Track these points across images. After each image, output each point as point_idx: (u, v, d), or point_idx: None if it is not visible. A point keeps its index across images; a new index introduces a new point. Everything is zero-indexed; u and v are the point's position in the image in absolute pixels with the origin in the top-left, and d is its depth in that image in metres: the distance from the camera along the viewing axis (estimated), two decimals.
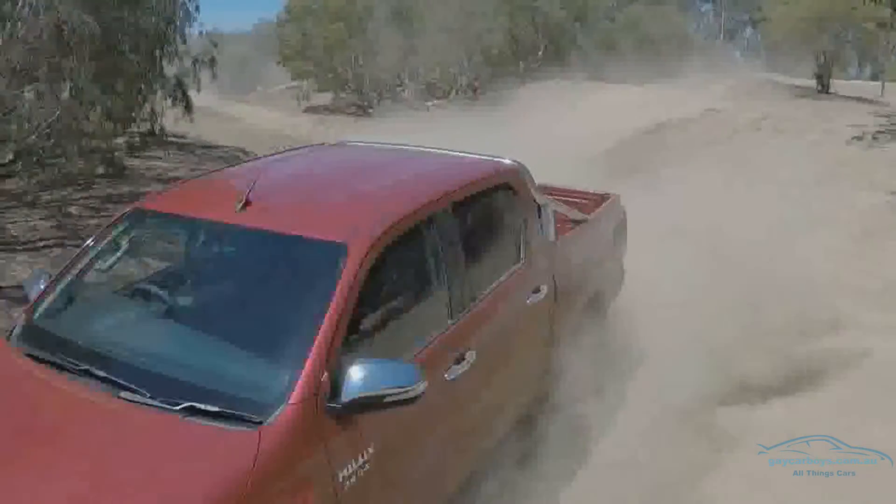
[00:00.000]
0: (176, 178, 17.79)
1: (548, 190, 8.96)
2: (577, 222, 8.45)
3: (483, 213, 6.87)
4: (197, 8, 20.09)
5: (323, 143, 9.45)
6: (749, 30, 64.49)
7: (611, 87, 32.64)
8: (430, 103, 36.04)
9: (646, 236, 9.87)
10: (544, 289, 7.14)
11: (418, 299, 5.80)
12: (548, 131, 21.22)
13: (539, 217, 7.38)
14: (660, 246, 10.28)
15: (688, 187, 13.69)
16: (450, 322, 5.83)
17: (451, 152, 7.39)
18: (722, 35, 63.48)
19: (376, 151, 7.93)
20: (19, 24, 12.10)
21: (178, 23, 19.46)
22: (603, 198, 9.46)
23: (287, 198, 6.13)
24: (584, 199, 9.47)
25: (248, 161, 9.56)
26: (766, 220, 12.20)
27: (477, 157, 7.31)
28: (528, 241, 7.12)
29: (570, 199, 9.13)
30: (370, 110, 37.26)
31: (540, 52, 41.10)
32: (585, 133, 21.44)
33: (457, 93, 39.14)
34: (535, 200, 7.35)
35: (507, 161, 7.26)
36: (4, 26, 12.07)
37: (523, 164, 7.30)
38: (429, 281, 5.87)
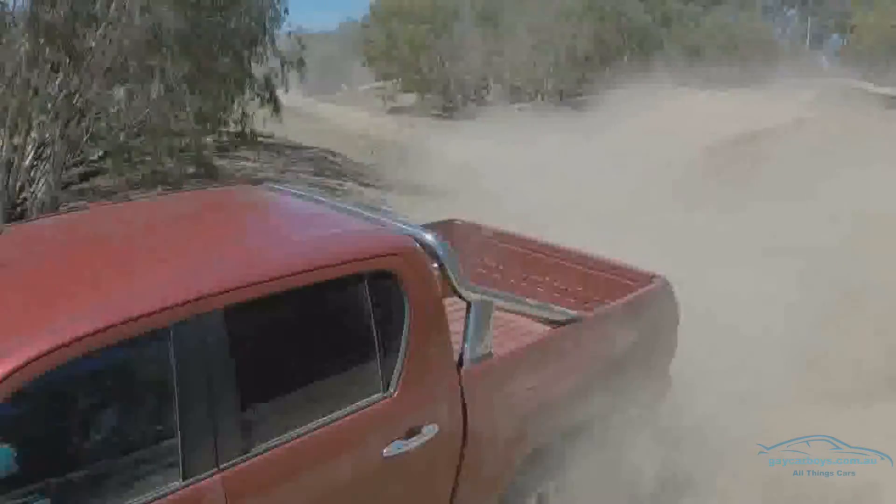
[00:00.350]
0: (266, 180, 17.61)
1: (566, 256, 7.42)
2: (558, 324, 5.95)
3: (310, 316, 4.69)
4: (286, 10, 19.93)
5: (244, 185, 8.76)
6: (835, 36, 63.44)
7: (696, 92, 32.06)
8: (516, 106, 35.67)
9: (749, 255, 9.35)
10: (431, 431, 4.83)
11: (112, 455, 3.87)
12: (635, 139, 20.82)
13: (468, 319, 5.21)
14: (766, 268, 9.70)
15: (791, 206, 13.05)
16: (178, 485, 3.92)
17: (341, 214, 5.47)
18: (808, 41, 62.51)
19: (237, 209, 5.89)
20: (109, 26, 11.96)
21: (267, 24, 19.31)
22: (644, 280, 6.83)
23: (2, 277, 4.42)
24: (616, 276, 7.05)
25: (70, 212, 7.61)
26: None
27: (361, 227, 5.24)
28: (413, 359, 4.82)
29: (594, 273, 7.17)
30: (455, 112, 36.91)
31: (626, 57, 40.56)
32: (673, 141, 20.97)
33: (542, 97, 38.79)
34: (458, 295, 5.21)
35: (408, 236, 5.08)
36: (98, 28, 11.96)
37: (438, 240, 5.11)
38: (143, 428, 4.02)
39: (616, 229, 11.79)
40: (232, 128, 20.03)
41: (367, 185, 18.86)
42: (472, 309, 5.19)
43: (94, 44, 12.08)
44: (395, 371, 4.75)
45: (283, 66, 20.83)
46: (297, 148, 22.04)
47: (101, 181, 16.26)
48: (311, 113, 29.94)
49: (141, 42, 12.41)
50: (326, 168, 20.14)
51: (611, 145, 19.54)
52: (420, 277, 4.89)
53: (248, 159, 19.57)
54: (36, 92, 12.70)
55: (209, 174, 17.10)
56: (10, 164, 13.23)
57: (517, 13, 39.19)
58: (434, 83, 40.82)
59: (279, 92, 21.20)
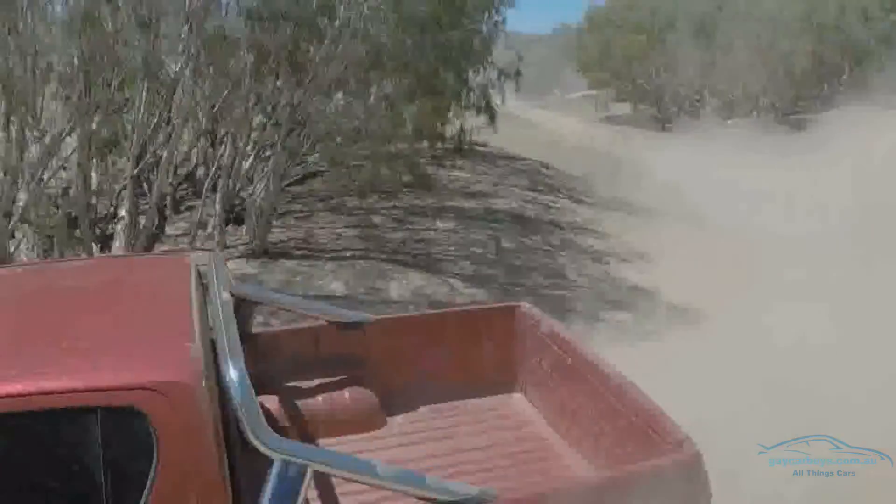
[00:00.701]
0: (479, 193, 17.05)
1: (607, 383, 5.31)
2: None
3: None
4: (503, 20, 19.42)
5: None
6: None
7: None
8: (729, 122, 34.26)
9: None
10: None
11: None
12: (860, 166, 19.33)
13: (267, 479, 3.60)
14: None
15: None
16: None
17: (177, 318, 4.13)
18: None
19: (76, 298, 4.63)
20: (332, 44, 11.89)
21: (485, 36, 18.84)
22: (668, 445, 4.57)
23: None
24: (643, 426, 4.84)
25: None
26: None
27: (142, 343, 3.90)
28: None
29: (623, 414, 5.04)
30: (668, 125, 35.77)
31: (844, 75, 38.67)
32: None
33: (757, 113, 37.26)
34: (253, 447, 3.65)
35: (195, 362, 3.67)
36: (322, 43, 11.87)
37: (238, 376, 3.78)
38: None
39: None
40: (448, 137, 19.64)
41: (579, 202, 18.13)
42: (273, 469, 3.62)
43: (317, 59, 12.04)
44: None
45: (499, 76, 20.36)
46: (510, 158, 21.44)
47: (317, 184, 16.06)
48: (524, 118, 29.33)
49: (363, 59, 12.32)
50: (539, 182, 19.46)
51: (834, 172, 18.18)
52: (184, 420, 3.51)
53: (462, 169, 19.08)
54: (259, 99, 12.82)
55: (423, 184, 16.72)
56: (231, 166, 13.35)
57: (734, 26, 37.78)
58: (647, 94, 39.86)
59: (495, 101, 20.72)
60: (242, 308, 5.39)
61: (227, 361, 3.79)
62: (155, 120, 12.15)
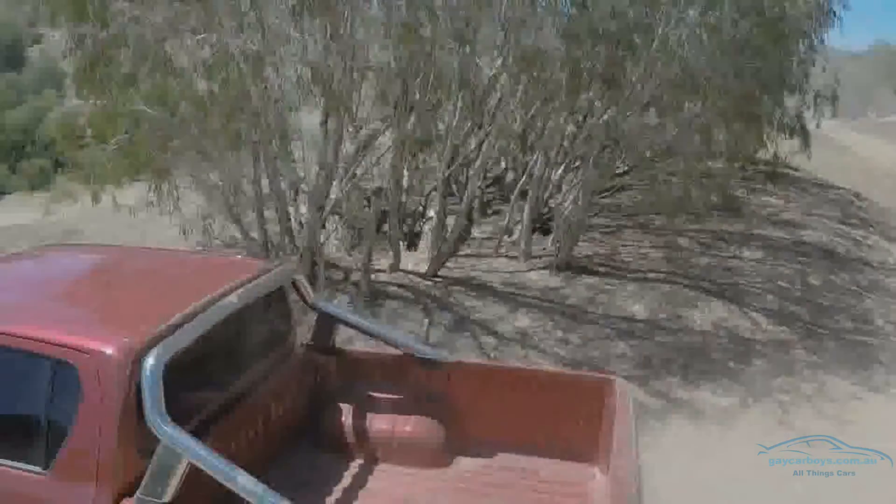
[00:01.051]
0: (787, 221, 16.07)
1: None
2: None
3: None
4: (822, 41, 18.34)
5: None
6: None
7: None
8: None
9: None
10: None
11: None
12: None
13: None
14: None
15: None
16: None
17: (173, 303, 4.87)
18: None
19: (126, 271, 5.90)
20: (649, 63, 11.62)
21: (802, 58, 17.85)
22: None
23: None
24: None
25: None
26: None
27: (103, 316, 4.90)
28: (66, 463, 4.28)
29: None
30: None
31: None
32: None
33: None
34: (148, 426, 4.24)
35: (130, 340, 4.36)
36: (638, 63, 11.61)
37: (152, 361, 4.26)
38: None
39: None
40: (760, 161, 18.80)
41: (891, 240, 16.63)
42: (157, 449, 4.14)
43: (633, 78, 11.77)
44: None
45: (815, 100, 19.29)
46: (822, 186, 20.18)
47: (624, 199, 15.71)
48: (836, 140, 27.74)
49: (677, 80, 11.93)
50: (851, 214, 18.06)
51: None
52: (105, 385, 4.23)
53: (772, 195, 18.09)
54: (571, 112, 12.80)
55: (731, 208, 15.97)
56: (541, 177, 13.36)
57: None
58: None
59: (811, 125, 19.65)
60: (325, 323, 6.17)
61: (154, 349, 4.28)
62: (468, 124, 12.32)
